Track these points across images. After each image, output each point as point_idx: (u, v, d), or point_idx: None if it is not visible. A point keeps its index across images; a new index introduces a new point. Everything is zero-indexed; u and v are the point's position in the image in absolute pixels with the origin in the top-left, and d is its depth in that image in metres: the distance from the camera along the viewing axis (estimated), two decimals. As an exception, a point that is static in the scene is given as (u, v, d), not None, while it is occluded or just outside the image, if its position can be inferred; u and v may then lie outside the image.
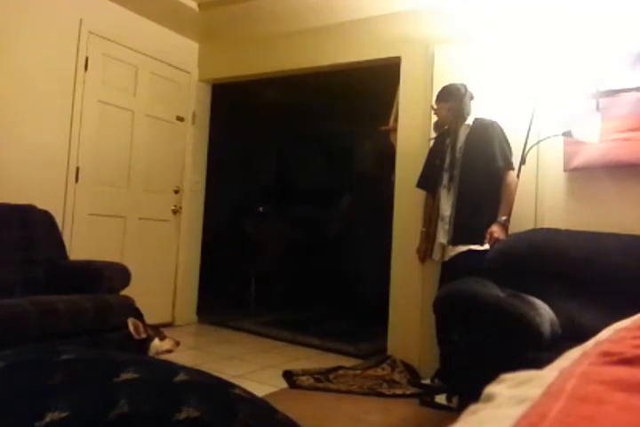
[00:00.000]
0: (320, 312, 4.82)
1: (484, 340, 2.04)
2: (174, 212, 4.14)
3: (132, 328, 2.42)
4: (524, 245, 2.50)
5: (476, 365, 2.03)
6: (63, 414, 0.72)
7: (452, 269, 2.67)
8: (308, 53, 3.77)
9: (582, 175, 2.76)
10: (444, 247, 2.78)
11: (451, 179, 2.76)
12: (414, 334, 3.12)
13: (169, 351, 2.50)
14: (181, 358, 2.70)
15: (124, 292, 2.71)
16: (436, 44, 3.22)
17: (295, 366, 3.07)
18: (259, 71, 4.03)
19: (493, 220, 2.63)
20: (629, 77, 2.63)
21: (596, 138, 2.61)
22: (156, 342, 2.49)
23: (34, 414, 0.73)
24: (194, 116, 4.28)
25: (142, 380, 0.82)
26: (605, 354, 0.47)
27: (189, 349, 3.46)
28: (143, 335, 2.45)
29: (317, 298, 4.80)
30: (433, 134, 3.05)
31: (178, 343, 2.60)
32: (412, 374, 2.98)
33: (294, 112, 5.60)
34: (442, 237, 2.77)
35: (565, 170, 2.79)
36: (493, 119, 2.77)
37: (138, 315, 2.57)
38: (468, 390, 2.04)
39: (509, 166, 2.68)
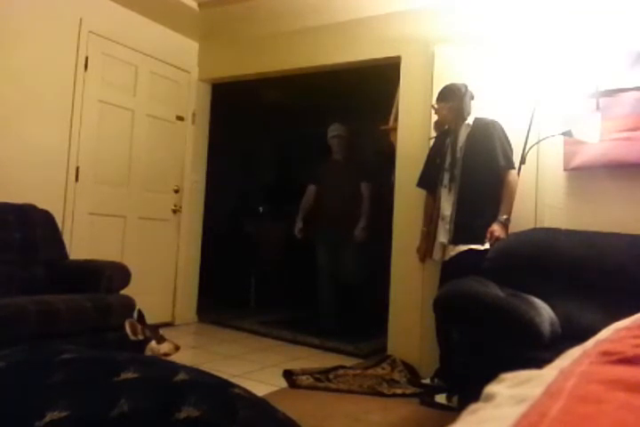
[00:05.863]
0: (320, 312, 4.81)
1: (484, 339, 2.04)
2: (174, 211, 4.14)
3: (128, 329, 2.39)
4: (524, 245, 2.50)
5: (475, 364, 2.03)
6: (63, 414, 0.72)
7: (452, 269, 2.67)
8: (308, 53, 3.77)
9: (582, 175, 2.76)
10: (444, 247, 2.78)
11: (451, 178, 2.76)
12: (414, 334, 3.12)
13: (166, 355, 2.44)
14: (181, 357, 2.70)
15: (124, 291, 2.71)
16: (436, 43, 3.21)
17: (295, 365, 3.07)
18: (259, 71, 4.03)
19: (494, 219, 2.63)
20: (629, 77, 2.63)
21: (596, 137, 2.61)
22: (153, 344, 2.45)
23: (34, 413, 0.73)
24: (194, 115, 4.28)
25: (142, 379, 0.82)
26: (605, 353, 0.47)
27: (189, 348, 3.46)
28: (140, 337, 2.42)
29: (317, 297, 4.78)
30: (433, 134, 3.05)
31: (177, 348, 2.54)
32: (412, 373, 2.99)
33: (294, 112, 5.60)
34: (442, 237, 2.77)
35: (565, 169, 2.79)
36: (494, 119, 2.77)
37: (139, 316, 2.56)
38: (468, 390, 2.04)
39: (511, 165, 2.68)
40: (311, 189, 4.32)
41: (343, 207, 4.08)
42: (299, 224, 4.25)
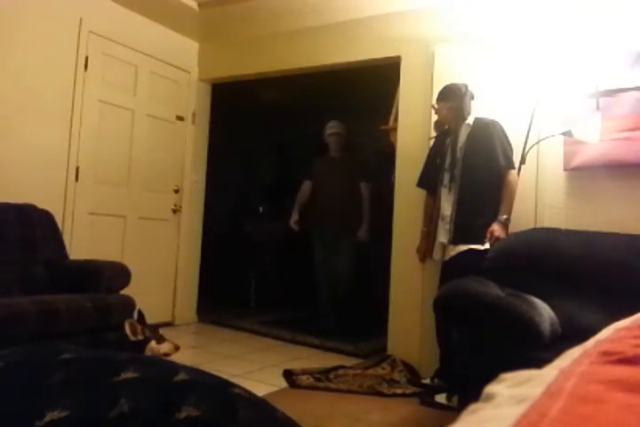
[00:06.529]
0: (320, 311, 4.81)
1: (484, 339, 2.04)
2: (174, 211, 4.14)
3: (128, 330, 2.39)
4: (523, 245, 2.50)
5: (475, 364, 2.03)
6: (63, 414, 0.72)
7: (452, 269, 2.67)
8: (308, 53, 3.77)
9: (582, 175, 2.76)
10: (444, 247, 2.78)
11: (451, 178, 2.76)
12: (414, 334, 3.12)
13: (166, 355, 2.44)
14: (181, 357, 2.70)
15: (124, 291, 2.71)
16: (436, 43, 3.22)
17: (295, 365, 3.07)
18: (259, 71, 4.03)
19: (494, 219, 2.63)
20: (629, 77, 2.63)
21: (596, 137, 2.61)
22: (153, 344, 2.45)
23: (34, 413, 0.73)
24: (194, 115, 4.28)
25: (142, 379, 0.82)
26: (605, 353, 0.47)
27: (189, 348, 3.46)
28: (140, 337, 2.42)
29: (317, 297, 4.78)
30: (433, 134, 3.05)
31: (177, 348, 2.54)
32: (412, 373, 2.99)
33: (294, 112, 5.60)
34: (442, 237, 2.77)
35: (565, 169, 2.79)
36: (494, 119, 2.78)
37: (139, 316, 2.56)
38: (468, 390, 2.04)
39: (511, 165, 2.68)
40: (306, 184, 4.29)
41: (339, 205, 4.05)
42: (294, 216, 4.23)
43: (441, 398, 2.55)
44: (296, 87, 4.84)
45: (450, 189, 2.76)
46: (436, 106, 2.87)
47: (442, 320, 2.58)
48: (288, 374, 2.85)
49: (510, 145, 2.72)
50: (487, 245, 2.61)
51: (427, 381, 2.84)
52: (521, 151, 2.71)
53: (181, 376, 0.84)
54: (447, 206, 2.77)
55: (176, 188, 4.15)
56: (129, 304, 2.60)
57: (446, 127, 2.88)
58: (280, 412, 0.87)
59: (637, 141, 2.58)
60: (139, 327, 2.44)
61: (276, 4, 3.72)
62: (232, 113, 5.29)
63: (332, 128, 4.20)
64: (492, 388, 0.45)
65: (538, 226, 2.78)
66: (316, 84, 4.58)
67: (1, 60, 3.05)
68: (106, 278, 2.65)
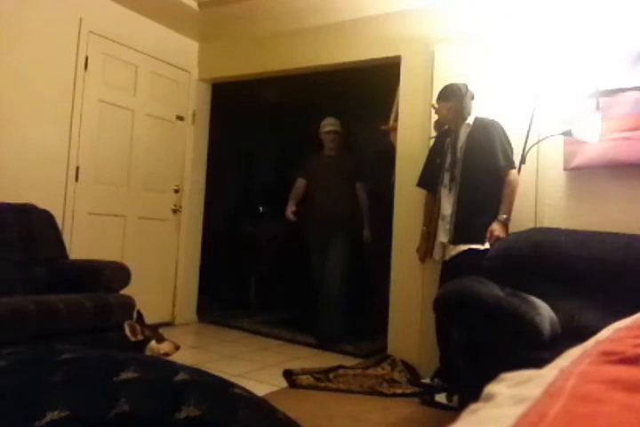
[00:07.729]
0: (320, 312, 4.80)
1: (484, 339, 2.04)
2: (174, 211, 4.14)
3: (127, 330, 2.40)
4: (524, 245, 2.50)
5: (475, 364, 2.03)
6: (63, 414, 0.72)
7: (452, 269, 2.67)
8: (308, 53, 3.77)
9: (582, 174, 2.76)
10: (444, 246, 2.78)
11: (452, 178, 2.76)
12: (414, 334, 3.12)
13: (166, 355, 2.44)
14: (182, 357, 2.70)
15: (124, 291, 2.71)
16: (437, 43, 3.21)
17: (295, 365, 3.07)
18: (259, 71, 4.03)
19: (494, 219, 2.63)
20: (629, 77, 2.63)
21: (596, 137, 2.61)
22: (153, 344, 2.45)
23: (34, 413, 0.73)
24: (194, 115, 4.28)
25: (142, 379, 0.82)
26: (605, 353, 0.47)
27: (190, 348, 3.46)
28: (139, 337, 2.42)
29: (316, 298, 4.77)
30: (433, 133, 3.05)
31: (177, 347, 2.54)
32: (412, 373, 2.99)
33: (294, 112, 5.60)
34: (442, 237, 2.77)
35: (565, 169, 2.80)
36: (494, 119, 2.78)
37: (139, 316, 2.56)
38: (468, 390, 2.04)
39: (511, 165, 2.68)
40: (300, 182, 4.17)
41: (336, 206, 3.94)
42: (291, 206, 4.10)
43: (441, 397, 2.55)
44: (296, 87, 4.84)
45: (450, 189, 2.77)
46: (436, 105, 2.87)
47: (442, 320, 2.58)
48: (288, 374, 2.85)
49: (510, 145, 2.72)
50: (487, 245, 2.61)
51: (427, 381, 2.83)
52: (521, 151, 2.71)
53: (182, 376, 0.84)
54: (447, 206, 2.77)
55: (176, 188, 4.15)
56: (129, 304, 2.60)
57: (446, 127, 2.88)
58: (280, 412, 0.87)
59: (637, 141, 2.58)
60: (138, 328, 2.45)
61: (276, 4, 3.72)
62: (232, 113, 5.29)
63: (328, 125, 4.04)
64: (492, 388, 0.45)
65: (538, 226, 2.78)
66: (316, 84, 4.58)
67: (1, 60, 3.05)
68: (106, 278, 2.65)
